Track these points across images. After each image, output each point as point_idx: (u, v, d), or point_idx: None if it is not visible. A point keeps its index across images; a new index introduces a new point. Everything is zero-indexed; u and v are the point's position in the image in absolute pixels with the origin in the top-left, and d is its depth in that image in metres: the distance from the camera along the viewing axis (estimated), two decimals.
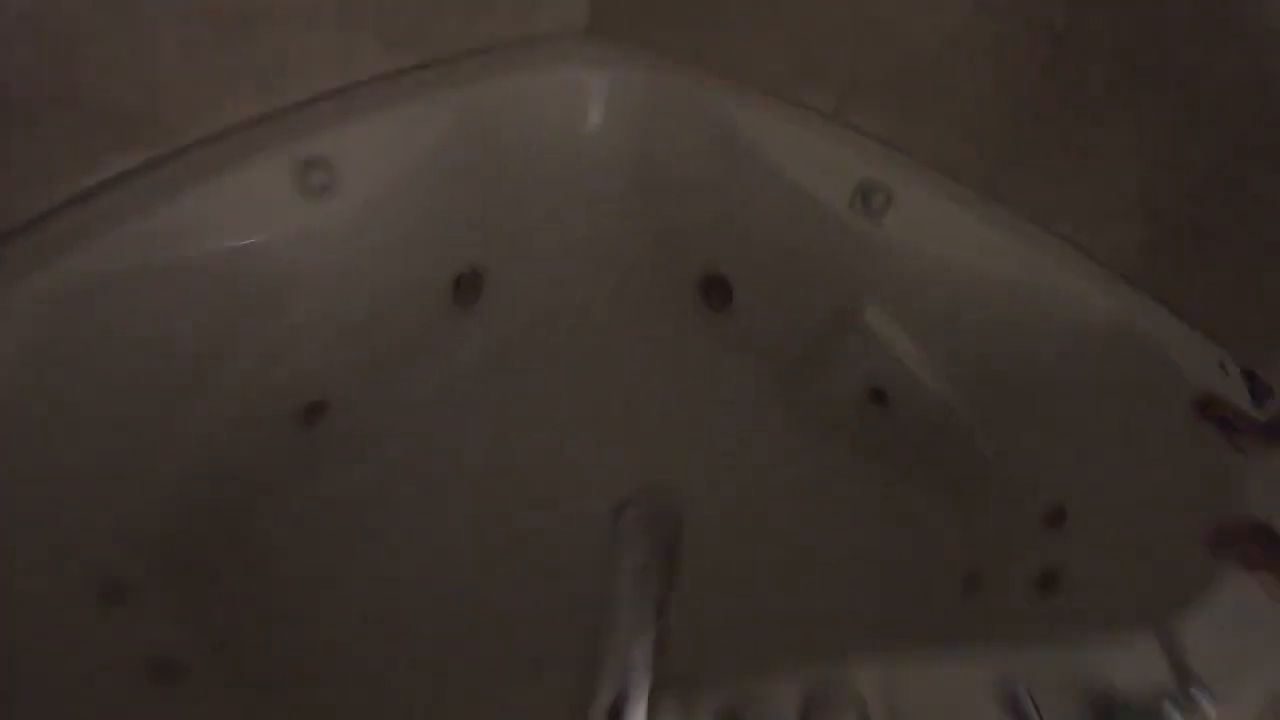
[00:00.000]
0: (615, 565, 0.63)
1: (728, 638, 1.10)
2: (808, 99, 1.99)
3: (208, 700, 1.29)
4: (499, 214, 1.96)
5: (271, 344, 1.60)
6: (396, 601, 1.67)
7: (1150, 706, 0.86)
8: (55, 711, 1.09)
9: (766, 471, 2.02)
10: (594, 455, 1.98)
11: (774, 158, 1.93)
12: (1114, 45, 1.63)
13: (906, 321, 1.91)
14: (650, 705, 0.64)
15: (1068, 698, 0.92)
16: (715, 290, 2.18)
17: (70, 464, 1.34)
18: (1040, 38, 1.68)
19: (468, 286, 1.98)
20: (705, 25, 2.05)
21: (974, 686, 0.87)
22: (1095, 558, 1.46)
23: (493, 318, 2.06)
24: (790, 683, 0.87)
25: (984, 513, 1.80)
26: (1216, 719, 0.92)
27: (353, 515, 1.75)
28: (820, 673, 0.88)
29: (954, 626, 1.57)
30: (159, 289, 1.42)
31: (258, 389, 1.60)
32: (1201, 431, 1.49)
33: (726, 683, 0.88)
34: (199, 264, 1.46)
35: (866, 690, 0.86)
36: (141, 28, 1.37)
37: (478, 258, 1.97)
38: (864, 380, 1.98)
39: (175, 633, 1.35)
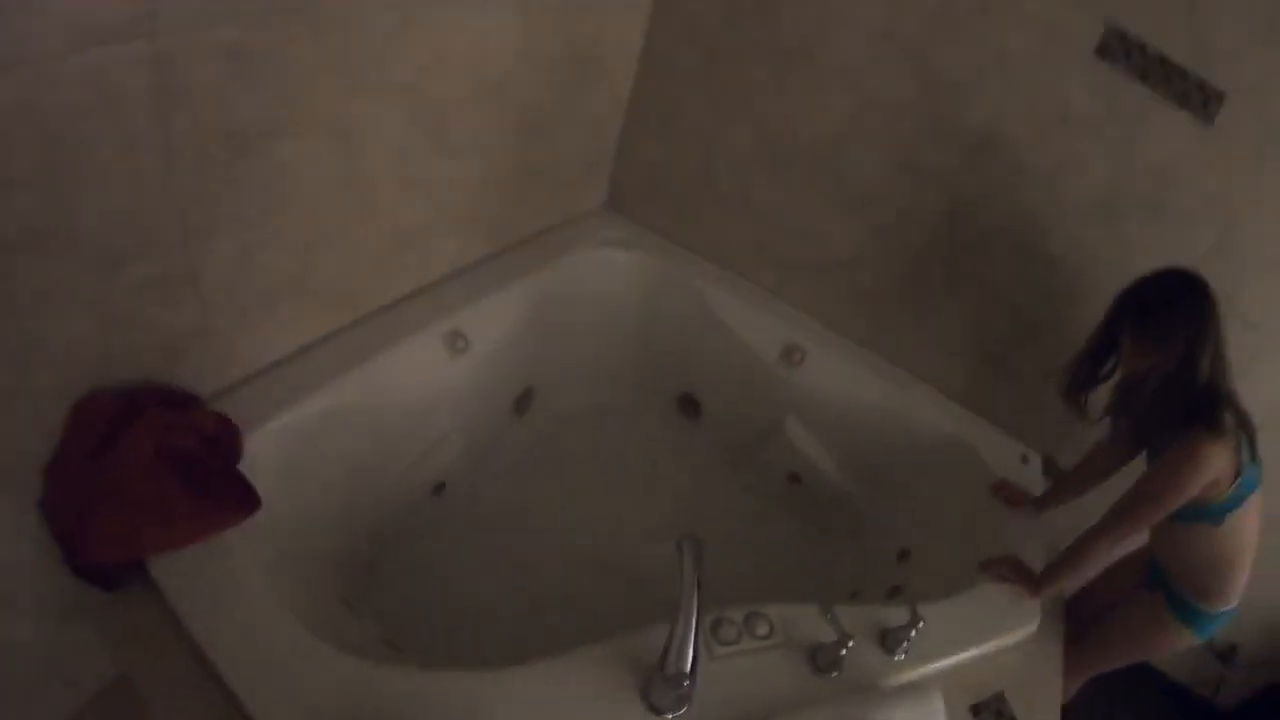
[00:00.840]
0: (683, 564, 1.45)
1: (714, 600, 1.72)
2: (756, 276, 2.83)
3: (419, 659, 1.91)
4: (546, 349, 2.75)
5: (420, 448, 2.39)
6: (506, 598, 2.43)
7: (899, 631, 1.76)
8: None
9: (723, 521, 2.80)
10: (612, 506, 2.77)
11: (729, 321, 2.78)
12: (950, 257, 2.45)
13: (814, 431, 2.75)
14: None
15: (866, 628, 1.81)
16: (689, 405, 3.02)
17: (314, 513, 2.07)
18: (906, 250, 2.52)
19: (523, 399, 2.79)
20: (690, 216, 2.87)
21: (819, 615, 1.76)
22: (922, 578, 2.30)
23: (539, 419, 2.87)
24: (739, 612, 1.76)
25: (860, 553, 2.62)
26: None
27: (464, 548, 2.52)
28: (753, 609, 1.78)
29: None
30: (359, 417, 2.14)
31: (410, 477, 2.39)
32: (991, 504, 2.34)
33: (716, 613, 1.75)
34: (384, 401, 2.20)
35: (774, 615, 1.76)
36: (353, 247, 2.09)
37: (531, 380, 2.78)
38: (786, 468, 2.82)
39: (385, 625, 2.11)
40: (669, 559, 1.52)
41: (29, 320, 1.49)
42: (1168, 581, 2.02)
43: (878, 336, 2.70)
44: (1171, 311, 1.81)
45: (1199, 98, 2.01)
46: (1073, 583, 2.04)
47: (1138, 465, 2.01)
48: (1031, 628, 2.02)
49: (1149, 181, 2.13)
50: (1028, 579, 2.06)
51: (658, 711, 1.57)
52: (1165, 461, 1.80)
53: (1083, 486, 2.26)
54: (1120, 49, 2.02)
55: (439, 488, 2.51)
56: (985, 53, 2.19)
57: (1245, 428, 1.80)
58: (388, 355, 2.20)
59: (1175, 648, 2.10)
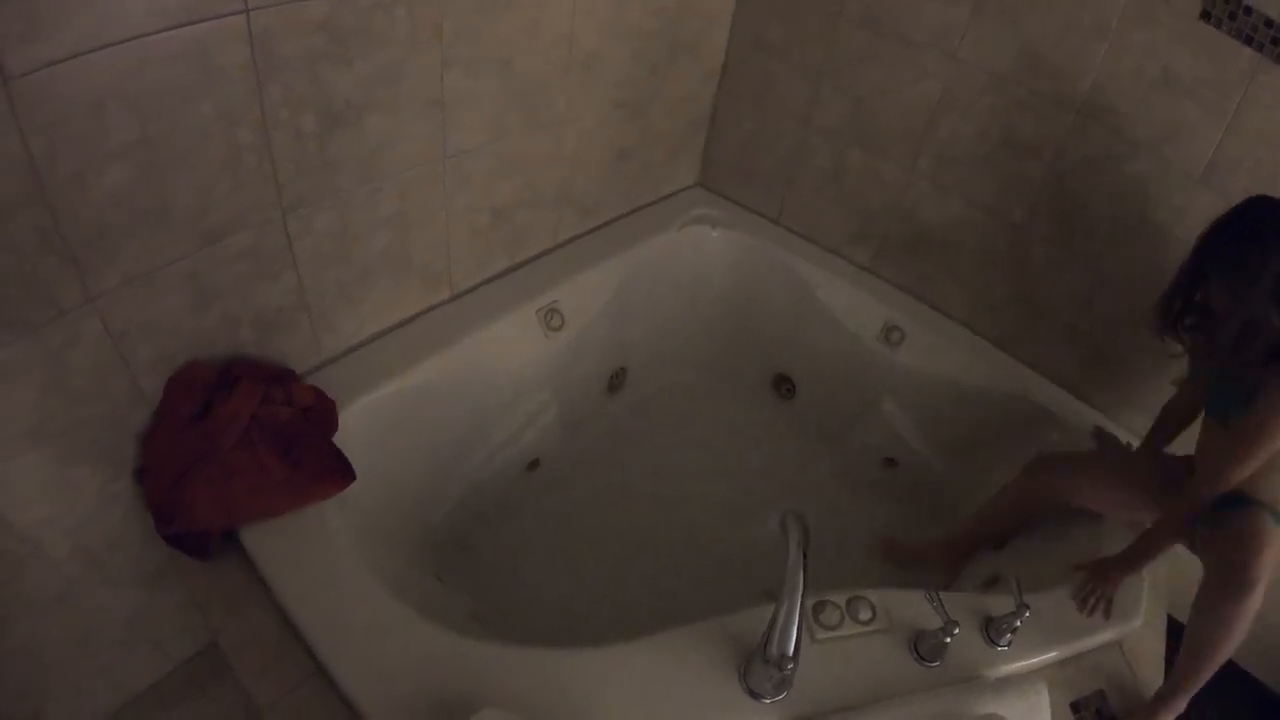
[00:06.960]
0: (788, 538, 1.41)
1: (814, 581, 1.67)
2: (852, 254, 2.77)
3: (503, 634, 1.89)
4: (640, 328, 2.74)
5: (515, 425, 2.40)
6: (598, 576, 2.43)
7: (1004, 620, 1.70)
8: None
9: (817, 504, 2.72)
10: (705, 487, 2.75)
11: (825, 300, 2.72)
12: (1052, 233, 2.36)
13: (911, 414, 2.68)
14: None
15: (969, 615, 1.75)
16: (783, 385, 2.98)
17: (406, 488, 2.10)
18: (1006, 227, 2.43)
19: (616, 378, 2.79)
20: (783, 192, 2.82)
21: (921, 600, 1.70)
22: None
23: (631, 397, 2.87)
24: (841, 595, 1.72)
25: None
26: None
27: (557, 526, 2.54)
28: (856, 593, 1.73)
29: None
30: (454, 394, 2.16)
31: (504, 452, 2.40)
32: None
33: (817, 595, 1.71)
34: (480, 377, 2.21)
35: (876, 600, 1.71)
36: (451, 221, 2.10)
37: (624, 359, 2.78)
38: (881, 451, 2.75)
39: (475, 600, 2.10)
40: (761, 541, 1.47)
41: (127, 294, 1.51)
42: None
43: (979, 316, 2.62)
44: (1264, 244, 1.63)
45: None
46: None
47: None
48: (1135, 623, 1.93)
49: (1260, 149, 1.99)
50: (1113, 576, 1.92)
51: (756, 696, 1.54)
52: (1260, 414, 1.64)
53: (1168, 437, 2.14)
54: (1224, 11, 1.91)
55: (533, 464, 2.52)
56: (1084, 17, 2.08)
57: None
58: (483, 331, 2.22)
59: None
